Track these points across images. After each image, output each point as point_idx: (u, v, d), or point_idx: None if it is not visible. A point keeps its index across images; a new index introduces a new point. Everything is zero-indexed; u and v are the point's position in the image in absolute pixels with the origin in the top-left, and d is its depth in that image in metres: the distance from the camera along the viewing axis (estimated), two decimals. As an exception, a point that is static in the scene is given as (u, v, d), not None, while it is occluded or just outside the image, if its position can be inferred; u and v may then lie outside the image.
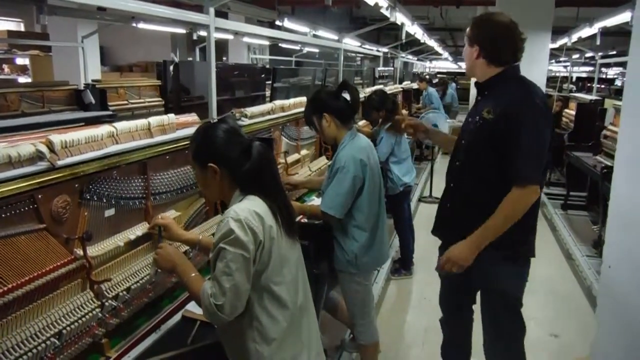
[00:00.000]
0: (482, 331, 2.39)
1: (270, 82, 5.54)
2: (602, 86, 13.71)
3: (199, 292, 1.59)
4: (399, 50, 13.04)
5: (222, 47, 10.35)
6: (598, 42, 8.01)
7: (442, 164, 9.49)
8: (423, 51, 17.13)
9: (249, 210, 1.57)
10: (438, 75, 19.08)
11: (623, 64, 15.39)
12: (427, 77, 11.71)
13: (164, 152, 2.15)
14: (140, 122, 2.10)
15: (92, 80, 5.56)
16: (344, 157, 2.52)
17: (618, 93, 10.95)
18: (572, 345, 3.54)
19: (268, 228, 1.60)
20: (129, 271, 1.93)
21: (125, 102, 5.35)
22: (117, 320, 1.84)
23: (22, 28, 10.98)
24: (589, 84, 14.41)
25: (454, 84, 13.38)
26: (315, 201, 3.30)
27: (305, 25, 7.03)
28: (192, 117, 2.50)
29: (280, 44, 10.23)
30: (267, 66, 9.28)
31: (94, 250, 1.79)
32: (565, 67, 19.28)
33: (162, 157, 2.15)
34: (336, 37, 7.28)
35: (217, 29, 3.03)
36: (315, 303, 1.92)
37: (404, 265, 4.68)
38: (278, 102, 3.60)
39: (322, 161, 4.19)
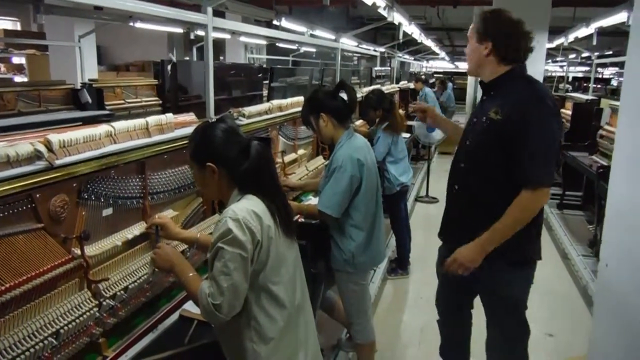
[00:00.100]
0: (480, 332, 2.39)
1: (267, 81, 5.54)
2: (599, 86, 13.75)
3: (197, 291, 1.59)
4: (396, 50, 13.05)
5: (219, 47, 10.34)
6: (594, 42, 8.04)
7: (438, 163, 9.51)
8: (420, 51, 17.15)
9: (247, 209, 1.57)
10: (435, 75, 19.12)
11: (619, 64, 15.45)
12: (423, 77, 11.73)
13: (161, 152, 2.15)
14: (138, 122, 2.10)
15: (89, 80, 5.55)
16: (341, 157, 2.53)
17: (614, 93, 11.00)
18: (567, 345, 3.55)
19: (266, 228, 1.60)
20: (127, 271, 1.93)
21: (122, 101, 5.34)
22: (114, 320, 1.85)
23: (18, 27, 10.94)
24: (585, 84, 14.46)
25: (450, 84, 13.41)
26: (312, 201, 3.31)
27: (302, 25, 7.04)
28: (190, 117, 2.50)
29: (277, 44, 10.23)
30: (265, 66, 9.27)
31: (91, 250, 1.79)
32: (561, 67, 19.33)
33: (160, 156, 2.15)
34: (333, 37, 7.29)
35: (215, 29, 3.02)
36: (312, 302, 1.93)
37: (400, 264, 4.69)
38: (275, 102, 3.60)
39: (319, 161, 4.19)
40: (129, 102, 5.38)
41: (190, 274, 1.70)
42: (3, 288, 1.46)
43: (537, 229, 2.17)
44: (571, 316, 4.04)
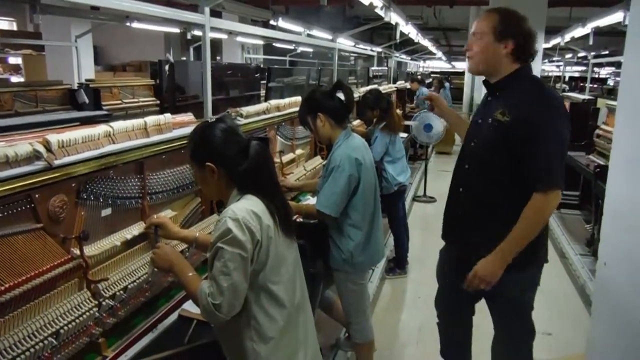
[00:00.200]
0: (480, 333, 2.38)
1: (264, 81, 5.54)
2: (595, 86, 13.80)
3: (197, 291, 1.59)
4: (392, 50, 13.09)
5: (216, 47, 10.34)
6: (591, 42, 8.08)
7: (436, 163, 9.52)
8: (417, 51, 17.20)
9: (246, 209, 1.58)
10: (432, 75, 19.14)
11: (615, 64, 15.51)
12: (419, 77, 11.75)
13: (160, 152, 2.15)
14: (137, 122, 2.10)
15: (86, 80, 5.54)
16: (339, 156, 2.53)
17: (611, 93, 11.03)
18: (565, 343, 3.56)
19: (265, 227, 1.60)
20: (126, 270, 1.93)
21: (119, 101, 5.33)
22: (114, 320, 1.84)
23: (14, 27, 10.92)
24: (581, 84, 14.50)
25: (447, 84, 13.43)
26: (310, 200, 3.31)
27: (299, 25, 7.04)
28: (189, 117, 2.50)
29: (274, 44, 10.23)
30: (262, 66, 9.28)
31: (90, 250, 1.79)
32: (558, 66, 19.41)
33: (158, 156, 2.15)
34: (330, 37, 7.30)
35: (212, 29, 3.02)
36: (311, 302, 1.93)
37: (398, 264, 4.70)
38: (273, 102, 3.60)
39: (317, 161, 4.20)
40: (126, 103, 5.38)
41: (190, 274, 1.70)
42: (3, 288, 1.46)
43: (544, 230, 2.14)
44: (569, 315, 4.05)
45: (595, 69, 19.77)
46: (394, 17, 6.51)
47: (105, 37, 9.88)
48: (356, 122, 5.40)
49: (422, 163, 7.69)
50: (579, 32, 7.72)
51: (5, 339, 1.46)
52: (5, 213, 1.49)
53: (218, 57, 10.53)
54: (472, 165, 2.21)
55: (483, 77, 2.25)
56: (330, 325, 3.15)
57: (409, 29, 8.27)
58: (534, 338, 2.30)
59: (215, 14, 4.58)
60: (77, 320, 1.67)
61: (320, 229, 2.62)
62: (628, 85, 2.24)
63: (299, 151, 3.94)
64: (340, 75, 7.55)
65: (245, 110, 3.15)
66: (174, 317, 2.08)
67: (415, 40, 10.67)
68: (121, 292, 1.87)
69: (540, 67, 6.78)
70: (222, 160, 1.66)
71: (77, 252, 1.72)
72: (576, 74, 20.09)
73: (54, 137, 1.65)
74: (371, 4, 5.38)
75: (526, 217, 1.97)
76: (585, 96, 8.59)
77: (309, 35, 7.11)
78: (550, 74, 19.57)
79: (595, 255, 3.87)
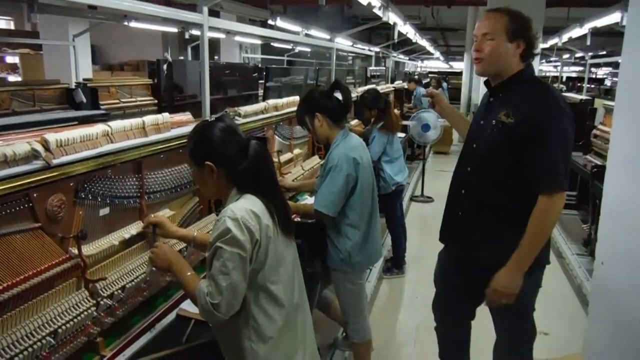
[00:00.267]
0: (479, 333, 2.37)
1: (262, 81, 5.55)
2: (592, 86, 13.80)
3: (195, 290, 1.59)
4: (390, 50, 13.09)
5: (214, 46, 10.33)
6: (588, 43, 8.09)
7: (433, 163, 9.54)
8: (415, 51, 17.21)
9: (245, 209, 1.58)
10: (430, 75, 19.16)
11: (613, 64, 15.54)
12: (416, 77, 11.76)
13: (158, 151, 2.15)
14: (135, 121, 2.10)
15: (84, 79, 5.54)
16: (337, 156, 2.53)
17: (608, 93, 11.04)
18: (562, 343, 3.57)
19: (265, 227, 1.60)
20: (124, 270, 1.93)
21: (117, 101, 5.33)
22: (112, 319, 1.84)
23: (12, 26, 10.88)
24: (579, 84, 14.51)
25: (445, 84, 13.45)
26: (308, 200, 3.31)
27: (297, 25, 7.04)
28: (187, 116, 2.50)
29: (272, 43, 10.23)
30: (259, 65, 9.28)
31: (88, 249, 1.79)
32: (555, 67, 19.45)
33: (156, 156, 2.15)
34: (328, 37, 7.30)
35: (210, 28, 3.02)
36: (309, 301, 1.93)
37: (396, 264, 4.70)
38: (271, 101, 3.60)
39: (315, 160, 4.20)
40: (124, 102, 5.37)
41: (189, 273, 1.70)
42: (1, 287, 1.46)
43: None
44: (566, 315, 4.06)
45: (593, 70, 19.81)
46: (392, 17, 6.51)
47: (103, 36, 9.87)
48: (354, 122, 5.41)
49: (420, 163, 7.69)
50: (576, 32, 7.73)
51: (3, 338, 1.45)
52: (4, 212, 1.49)
53: (216, 57, 10.53)
54: (474, 168, 2.17)
55: (482, 78, 2.24)
56: (327, 324, 3.15)
57: (406, 29, 8.28)
58: (535, 337, 2.29)
59: (213, 13, 4.59)
60: (75, 320, 1.66)
61: (317, 229, 2.62)
62: (626, 85, 2.25)
63: (296, 151, 3.94)
64: (338, 75, 7.55)
65: (244, 109, 3.15)
66: (172, 316, 2.09)
67: (413, 40, 10.67)
68: (119, 291, 1.87)
69: (538, 68, 6.78)
70: (221, 160, 1.65)
71: (75, 251, 1.72)
72: (573, 74, 20.11)
73: (52, 137, 1.65)
74: (369, 3, 5.38)
75: (535, 222, 1.95)
76: (583, 96, 8.61)
77: (307, 35, 7.11)
78: (547, 74, 19.60)
79: (593, 255, 3.88)
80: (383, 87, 8.02)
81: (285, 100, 3.81)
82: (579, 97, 8.40)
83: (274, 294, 1.65)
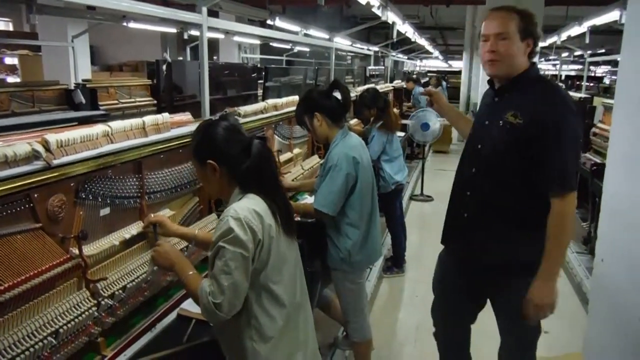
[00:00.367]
0: (479, 334, 2.37)
1: (262, 81, 5.56)
2: (591, 84, 13.82)
3: (197, 290, 1.59)
4: (389, 49, 13.11)
5: (213, 46, 10.33)
6: (587, 41, 8.09)
7: (433, 162, 9.54)
8: (413, 50, 17.22)
9: (248, 209, 1.58)
10: (429, 74, 19.16)
11: (612, 62, 15.54)
12: (415, 76, 11.76)
13: (158, 151, 2.14)
14: (135, 122, 2.10)
15: (83, 80, 5.55)
16: (337, 155, 2.53)
17: (607, 91, 11.05)
18: (562, 341, 3.57)
19: (267, 227, 1.60)
20: (125, 270, 1.93)
21: (116, 101, 5.34)
22: (112, 319, 1.85)
23: (10, 27, 10.89)
24: (578, 82, 14.53)
25: (444, 83, 13.46)
26: (308, 200, 3.32)
27: (296, 24, 7.04)
28: (187, 116, 2.50)
29: (271, 43, 10.23)
30: (258, 65, 9.28)
31: (89, 249, 1.79)
32: (554, 65, 19.44)
33: (156, 156, 2.15)
34: (327, 36, 7.30)
35: (210, 29, 3.02)
36: (309, 301, 1.93)
37: (396, 263, 4.70)
38: (271, 101, 3.60)
39: (315, 160, 4.20)
40: (123, 102, 5.38)
41: (191, 272, 1.70)
42: (2, 288, 1.46)
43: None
44: (566, 313, 4.06)
45: (592, 68, 19.84)
46: (390, 17, 6.51)
47: (102, 37, 9.87)
48: (353, 121, 5.41)
49: (419, 162, 7.69)
50: (575, 30, 7.74)
51: (5, 339, 1.46)
52: (4, 213, 1.49)
53: (215, 57, 10.53)
54: (480, 168, 2.13)
55: (482, 77, 2.24)
56: (328, 324, 3.15)
57: (405, 28, 8.28)
58: (539, 337, 2.27)
59: (212, 13, 4.60)
60: (76, 320, 1.67)
61: (317, 228, 2.62)
62: (625, 83, 2.26)
63: (296, 150, 3.94)
64: (337, 74, 7.55)
65: (243, 109, 3.15)
66: (172, 316, 2.09)
67: (412, 40, 10.68)
68: (120, 291, 1.87)
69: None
70: (224, 159, 1.65)
71: (76, 251, 1.72)
72: (572, 73, 20.13)
73: (52, 137, 1.65)
74: (368, 3, 5.39)
75: (554, 226, 1.93)
76: (582, 95, 8.61)
77: (306, 35, 7.11)
78: (546, 72, 19.60)
79: (592, 253, 3.88)
80: (382, 87, 8.02)
81: (284, 100, 3.81)
82: (578, 95, 8.40)
83: (276, 293, 1.65)
